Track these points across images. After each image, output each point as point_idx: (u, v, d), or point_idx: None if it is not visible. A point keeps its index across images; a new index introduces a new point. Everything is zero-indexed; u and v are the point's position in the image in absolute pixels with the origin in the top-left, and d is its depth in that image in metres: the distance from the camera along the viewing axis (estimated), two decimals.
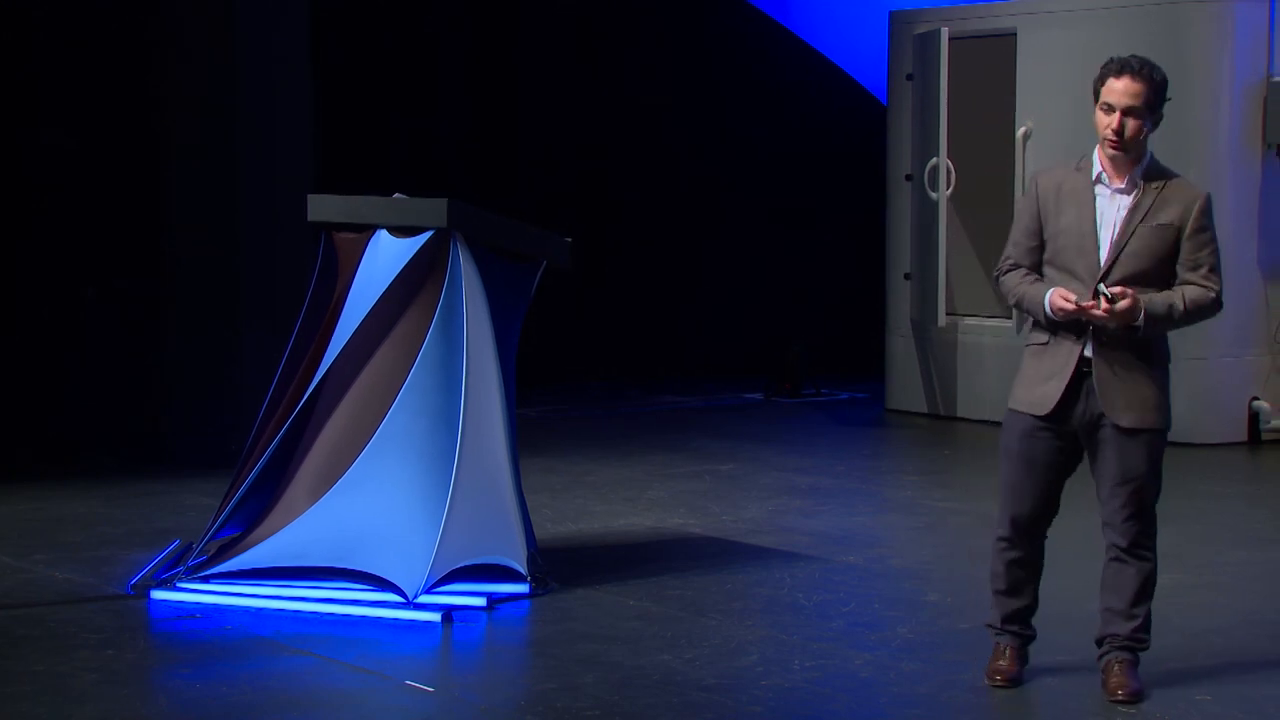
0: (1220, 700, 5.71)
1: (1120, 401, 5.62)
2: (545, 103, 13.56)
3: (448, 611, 6.66)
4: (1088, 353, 5.65)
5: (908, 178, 12.34)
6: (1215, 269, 5.65)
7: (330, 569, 6.84)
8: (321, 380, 6.97)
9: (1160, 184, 5.63)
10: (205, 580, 6.90)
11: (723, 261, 14.23)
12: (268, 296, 9.69)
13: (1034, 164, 11.29)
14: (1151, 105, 5.57)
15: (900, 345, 12.52)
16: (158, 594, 6.88)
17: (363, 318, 6.95)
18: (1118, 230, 5.62)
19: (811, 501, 9.16)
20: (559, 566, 7.30)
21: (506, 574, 7.00)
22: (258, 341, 9.41)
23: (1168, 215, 5.60)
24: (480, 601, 6.79)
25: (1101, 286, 5.54)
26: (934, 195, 11.97)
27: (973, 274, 12.06)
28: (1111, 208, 5.64)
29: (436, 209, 6.93)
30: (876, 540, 8.22)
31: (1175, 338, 11.32)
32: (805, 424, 12.05)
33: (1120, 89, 5.55)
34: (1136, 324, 5.55)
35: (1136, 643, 5.73)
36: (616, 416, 12.22)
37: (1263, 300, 11.09)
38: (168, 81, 10.02)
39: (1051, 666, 5.96)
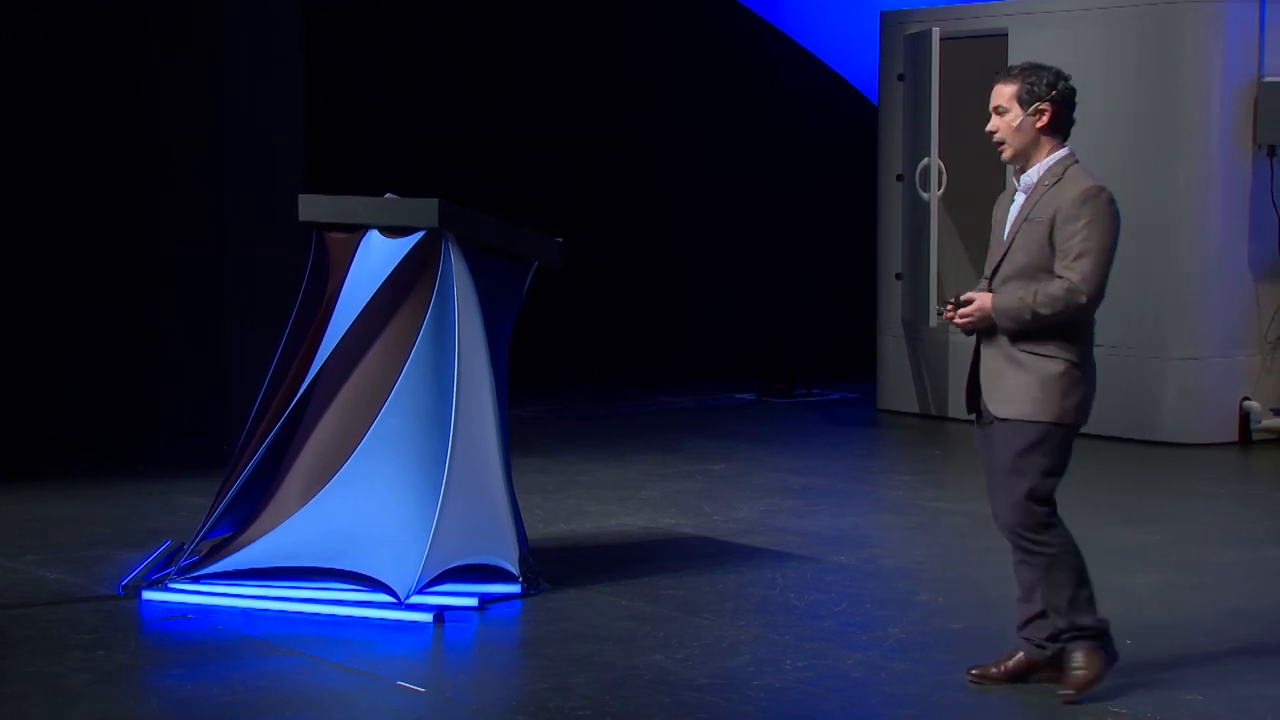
0: (1210, 700, 5.72)
1: (997, 393, 5.69)
2: (539, 102, 13.56)
3: (439, 612, 6.66)
4: (981, 349, 5.76)
5: (899, 178, 12.35)
6: (1080, 258, 5.58)
7: (322, 569, 6.84)
8: (313, 381, 6.97)
9: (1054, 182, 5.66)
10: (197, 581, 6.90)
11: (715, 262, 14.23)
12: (259, 296, 9.68)
13: None
14: (1022, 100, 5.70)
15: (892, 345, 12.54)
16: (149, 594, 6.88)
17: (354, 318, 6.95)
18: (1009, 230, 5.74)
19: (804, 501, 9.16)
20: (551, 567, 7.30)
21: (498, 574, 7.00)
22: (249, 341, 9.40)
23: (1044, 212, 5.64)
24: (472, 602, 6.79)
25: (956, 298, 5.71)
26: (925, 195, 11.98)
27: (964, 274, 12.06)
28: (1015, 209, 5.77)
29: (428, 209, 6.93)
30: (868, 540, 8.23)
31: (1165, 336, 11.40)
32: (798, 424, 12.06)
33: (993, 95, 5.77)
34: (993, 321, 5.63)
35: (1082, 630, 5.70)
36: (609, 417, 12.22)
37: (1253, 300, 11.10)
38: (162, 81, 10.01)
39: None
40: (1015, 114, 5.72)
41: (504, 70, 13.45)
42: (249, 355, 9.24)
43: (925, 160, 11.96)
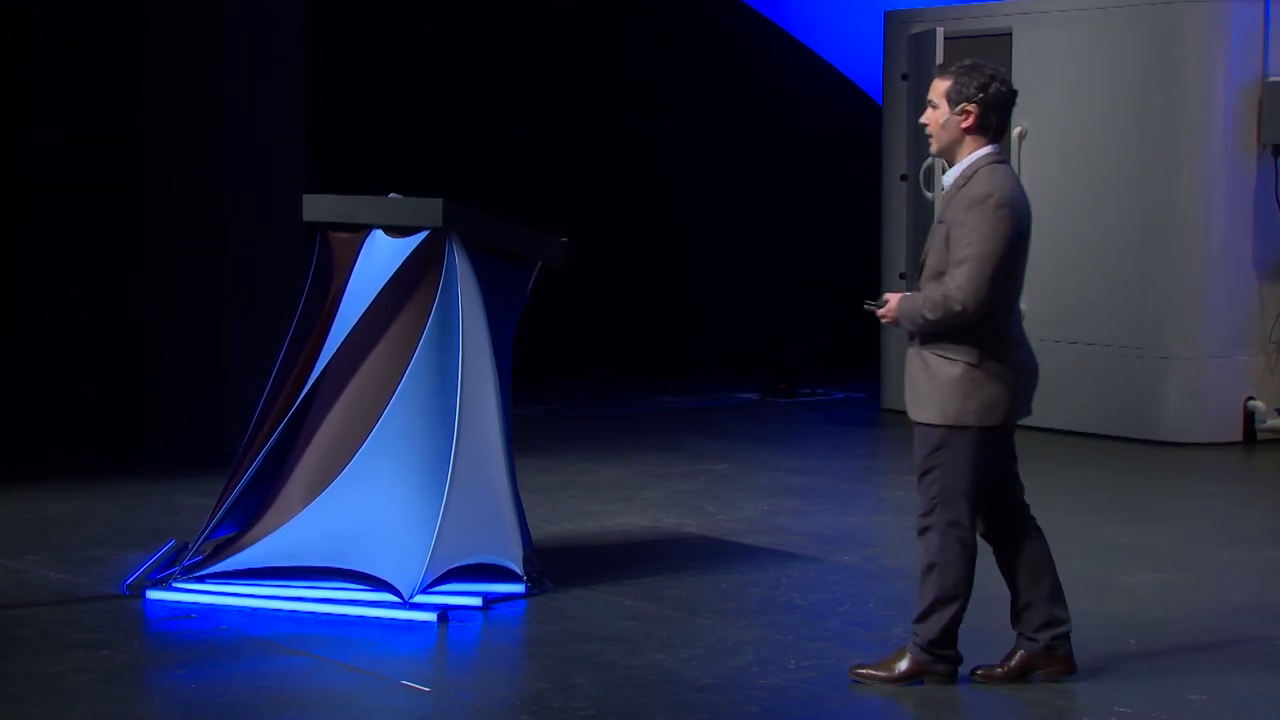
0: (1213, 699, 5.71)
1: (910, 395, 5.74)
2: (542, 102, 13.56)
3: (443, 611, 6.65)
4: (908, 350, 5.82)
5: (903, 177, 12.34)
6: (960, 265, 5.53)
7: (326, 569, 6.83)
8: (317, 380, 6.96)
9: (964, 184, 5.64)
10: (200, 580, 6.88)
11: (718, 261, 14.23)
12: (259, 296, 9.68)
13: (1029, 164, 11.29)
14: (951, 99, 5.72)
15: (896, 345, 12.51)
16: (153, 594, 6.87)
17: (358, 318, 6.95)
18: (932, 229, 5.78)
19: (806, 501, 9.15)
20: (554, 566, 7.30)
21: (502, 574, 6.99)
22: (252, 341, 9.40)
23: (948, 214, 5.64)
24: (476, 601, 6.79)
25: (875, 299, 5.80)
26: (929, 195, 11.97)
27: None
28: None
29: (432, 209, 6.92)
30: (871, 540, 8.22)
31: (1169, 335, 11.37)
32: (800, 424, 12.05)
33: (930, 88, 5.82)
34: (901, 324, 5.68)
35: (916, 637, 5.75)
36: (612, 417, 12.21)
37: (1257, 300, 11.10)
38: (162, 81, 10.00)
39: None
40: (943, 111, 5.74)
41: (504, 70, 13.45)
42: (249, 355, 9.24)
43: (929, 159, 11.94)
